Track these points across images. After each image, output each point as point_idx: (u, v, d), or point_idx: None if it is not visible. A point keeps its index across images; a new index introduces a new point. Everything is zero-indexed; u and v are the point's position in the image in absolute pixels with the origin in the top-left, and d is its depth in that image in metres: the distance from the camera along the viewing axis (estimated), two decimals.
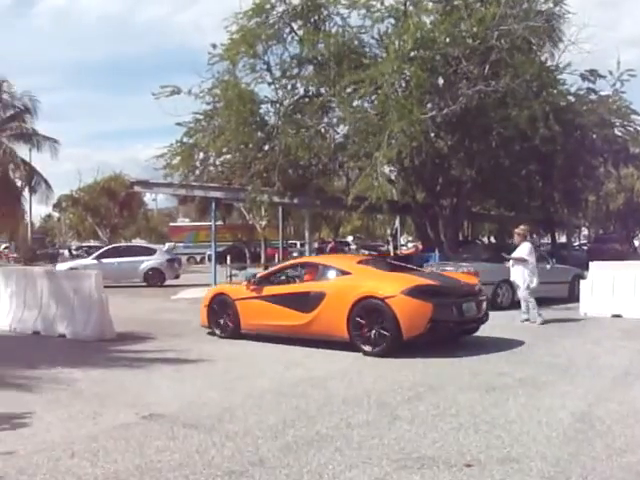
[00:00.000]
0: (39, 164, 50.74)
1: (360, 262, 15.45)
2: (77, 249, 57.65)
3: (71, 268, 28.81)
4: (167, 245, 35.71)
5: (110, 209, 66.43)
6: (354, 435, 7.50)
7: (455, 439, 7.33)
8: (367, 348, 12.71)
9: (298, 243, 53.24)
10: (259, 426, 7.89)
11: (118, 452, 6.98)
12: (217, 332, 15.60)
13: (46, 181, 49.56)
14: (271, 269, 17.66)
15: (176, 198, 59.77)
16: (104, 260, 31.59)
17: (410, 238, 68.44)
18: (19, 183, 49.39)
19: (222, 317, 15.53)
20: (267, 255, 49.23)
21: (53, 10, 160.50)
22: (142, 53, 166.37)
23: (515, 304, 19.17)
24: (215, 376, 11.14)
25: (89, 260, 32.39)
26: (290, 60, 26.89)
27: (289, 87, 27.15)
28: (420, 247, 35.57)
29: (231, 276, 30.98)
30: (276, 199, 28.54)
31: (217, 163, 29.24)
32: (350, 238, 74.64)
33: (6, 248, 74.87)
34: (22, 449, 7.10)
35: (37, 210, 71.65)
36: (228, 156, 28.46)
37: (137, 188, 39.58)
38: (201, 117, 27.47)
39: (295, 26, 26.57)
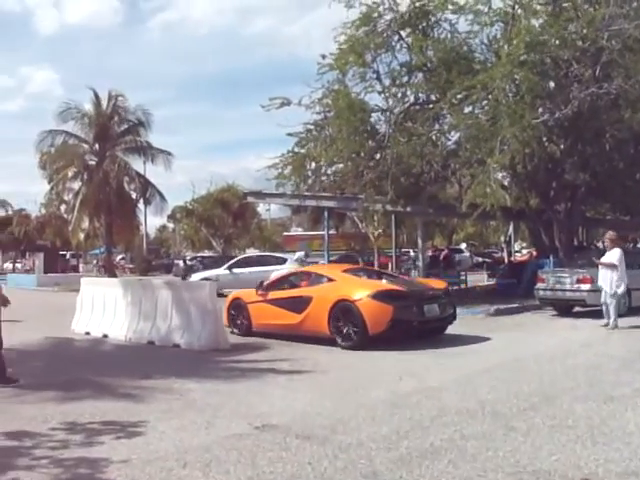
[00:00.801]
0: (153, 176, 51.81)
1: (345, 271, 18.17)
2: (191, 259, 58.47)
3: (205, 278, 29.20)
4: (297, 254, 35.42)
5: (224, 220, 67.30)
6: (468, 447, 7.33)
7: (572, 451, 7.08)
8: (341, 342, 15.29)
9: (411, 251, 52.89)
10: (372, 437, 7.79)
11: (230, 463, 6.98)
12: (235, 331, 18.08)
13: (160, 193, 50.53)
14: (275, 277, 20.09)
15: (289, 208, 60.24)
16: (236, 270, 31.63)
17: (524, 244, 67.20)
18: (134, 195, 50.47)
19: (239, 318, 18.19)
20: (380, 263, 49.00)
21: (164, 25, 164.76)
22: (252, 65, 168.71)
23: (634, 310, 18.78)
24: (328, 386, 11.11)
25: (222, 270, 32.39)
26: (399, 68, 26.67)
27: (399, 95, 26.91)
28: (534, 253, 34.91)
29: None
30: (389, 207, 28.31)
31: (329, 172, 29.23)
32: (463, 245, 73.71)
33: (122, 259, 76.79)
34: (136, 458, 7.19)
35: (152, 221, 73.31)
36: (340, 165, 28.39)
37: (250, 199, 39.96)
38: (312, 127, 27.50)
39: (403, 34, 26.34)
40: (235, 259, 36.79)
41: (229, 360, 13.95)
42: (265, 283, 18.34)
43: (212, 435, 8.12)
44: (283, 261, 33.79)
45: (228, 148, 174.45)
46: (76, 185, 49.07)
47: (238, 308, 18.32)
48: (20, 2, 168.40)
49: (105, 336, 17.56)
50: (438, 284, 17.98)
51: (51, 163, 52.49)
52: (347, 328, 15.27)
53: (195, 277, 32.56)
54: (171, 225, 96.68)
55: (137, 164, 50.04)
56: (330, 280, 16.89)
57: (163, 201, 51.28)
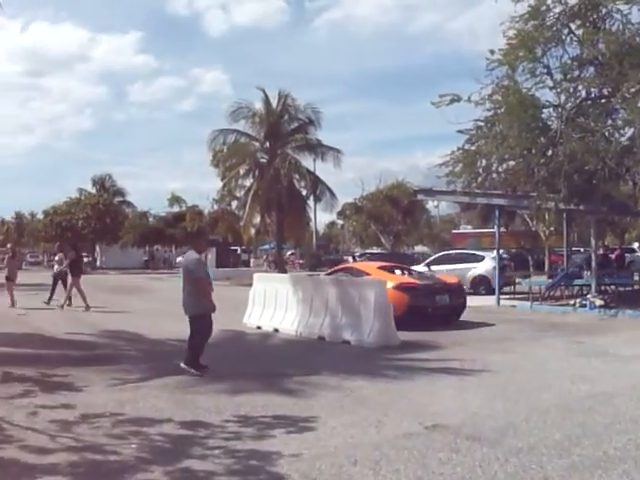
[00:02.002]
0: (322, 173, 52.34)
1: (379, 268, 21.48)
2: (360, 256, 58.75)
3: None
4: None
5: (393, 216, 67.37)
6: None
7: None
8: None
9: (582, 250, 51.38)
10: (544, 442, 7.56)
11: (400, 462, 6.90)
12: None
13: (330, 190, 50.96)
14: (328, 272, 23.91)
15: (458, 205, 59.61)
16: (434, 267, 31.25)
17: None
18: (304, 192, 51.15)
19: None
20: (551, 262, 47.79)
21: (330, 24, 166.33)
22: (418, 61, 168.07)
23: None
24: (499, 388, 10.83)
25: (420, 267, 32.05)
26: (570, 62, 25.90)
27: (570, 90, 26.12)
28: None
29: (514, 284, 30.43)
30: (561, 206, 27.60)
31: (500, 170, 28.71)
32: (636, 245, 71.03)
33: (292, 255, 78.09)
34: (307, 453, 7.23)
35: (321, 218, 74.30)
36: (511, 162, 27.82)
37: (420, 196, 39.71)
38: (482, 124, 27.09)
39: (573, 26, 25.50)
40: (433, 256, 36.65)
41: (399, 358, 13.87)
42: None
43: (382, 433, 8.08)
44: (481, 258, 33.46)
45: (396, 145, 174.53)
46: (248, 182, 50.32)
47: None
48: (189, 6, 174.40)
49: (276, 330, 17.88)
50: (451, 279, 21.19)
51: (223, 161, 54.07)
52: None
53: None
54: (340, 222, 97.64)
55: (307, 161, 50.75)
56: (367, 274, 19.94)
57: (333, 198, 51.72)
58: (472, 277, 32.48)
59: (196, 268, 12.28)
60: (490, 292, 29.64)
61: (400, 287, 18.82)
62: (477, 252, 36.21)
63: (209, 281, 12.63)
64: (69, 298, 25.36)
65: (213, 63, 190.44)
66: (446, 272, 28.52)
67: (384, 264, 23.22)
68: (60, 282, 26.32)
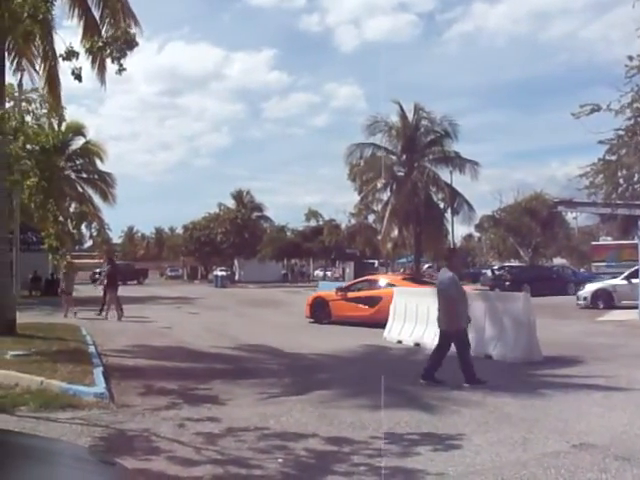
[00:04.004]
0: (459, 186, 51.78)
1: (402, 279, 25.82)
2: (499, 269, 57.80)
3: (600, 289, 30.01)
4: None
5: (532, 229, 66.21)
6: None
7: None
8: None
9: None
10: None
11: None
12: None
13: (468, 202, 50.52)
14: (348, 283, 28.78)
15: (597, 216, 58.07)
16: (634, 280, 30.60)
17: None
18: (441, 205, 50.87)
19: (321, 311, 25.22)
20: None
21: (461, 36, 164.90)
22: (551, 70, 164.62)
23: None
24: None
25: (618, 281, 31.46)
26: None
27: None
28: None
29: None
30: None
31: None
32: None
33: (429, 268, 77.59)
34: (452, 470, 7.17)
35: (457, 230, 73.53)
36: None
37: (560, 208, 38.97)
38: (622, 133, 26.34)
39: None
40: (632, 269, 35.82)
41: (542, 374, 13.57)
42: (342, 287, 26.83)
43: (528, 451, 7.91)
44: None
45: (530, 155, 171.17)
46: (385, 196, 50.43)
47: (321, 304, 25.53)
48: (320, 23, 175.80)
49: (417, 345, 17.77)
50: (469, 288, 21.62)
51: (360, 175, 54.27)
52: None
53: (588, 288, 32.23)
54: (477, 234, 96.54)
55: (443, 174, 50.46)
56: (391, 285, 23.49)
57: (471, 210, 51.24)
58: (594, 290, 31.62)
59: (449, 287, 12.69)
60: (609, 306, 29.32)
61: None
62: None
63: (464, 298, 13.01)
64: (120, 309, 26.47)
65: (346, 77, 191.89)
66: None
67: (404, 276, 28.03)
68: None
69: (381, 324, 20.54)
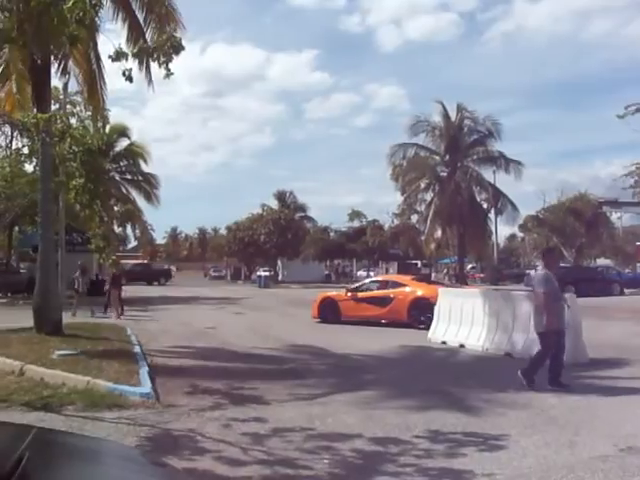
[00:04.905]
0: (502, 186, 51.50)
1: (413, 279, 25.82)
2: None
3: None
4: None
5: (576, 229, 65.67)
6: None
7: None
8: (418, 325, 21.84)
9: None
10: None
11: None
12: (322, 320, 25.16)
13: (512, 202, 50.25)
14: (358, 284, 28.70)
15: None
16: None
17: None
18: (485, 205, 50.64)
19: (330, 311, 25.34)
20: None
21: (502, 35, 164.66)
22: (592, 69, 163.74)
23: None
24: None
25: None
26: None
27: None
28: None
29: None
30: None
31: None
32: None
33: (472, 268, 77.25)
34: (499, 473, 7.13)
35: (501, 231, 73.06)
36: None
37: (605, 208, 38.74)
38: None
39: None
40: None
41: (588, 375, 13.44)
42: (352, 288, 27.10)
43: (576, 454, 7.85)
44: None
45: (574, 155, 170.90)
46: (428, 196, 50.40)
47: (330, 304, 25.67)
48: (362, 23, 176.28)
49: (462, 346, 17.70)
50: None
51: (403, 175, 54.20)
52: (423, 316, 21.80)
53: None
54: (520, 234, 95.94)
55: (487, 174, 50.23)
56: (403, 285, 24.45)
57: (515, 210, 51.01)
58: None
59: (539, 283, 12.41)
60: None
61: None
62: None
63: (558, 296, 12.64)
64: (121, 307, 27.91)
65: (388, 78, 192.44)
66: None
67: (414, 276, 28.14)
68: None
69: (393, 325, 22.47)
